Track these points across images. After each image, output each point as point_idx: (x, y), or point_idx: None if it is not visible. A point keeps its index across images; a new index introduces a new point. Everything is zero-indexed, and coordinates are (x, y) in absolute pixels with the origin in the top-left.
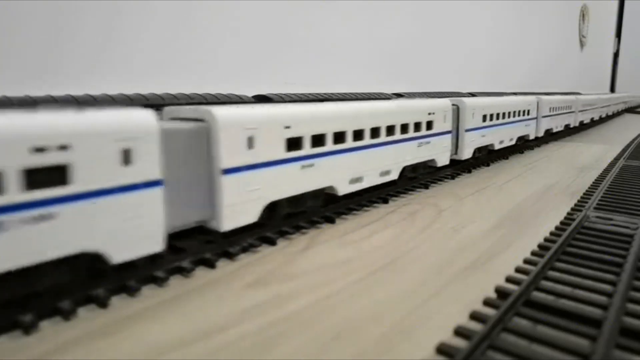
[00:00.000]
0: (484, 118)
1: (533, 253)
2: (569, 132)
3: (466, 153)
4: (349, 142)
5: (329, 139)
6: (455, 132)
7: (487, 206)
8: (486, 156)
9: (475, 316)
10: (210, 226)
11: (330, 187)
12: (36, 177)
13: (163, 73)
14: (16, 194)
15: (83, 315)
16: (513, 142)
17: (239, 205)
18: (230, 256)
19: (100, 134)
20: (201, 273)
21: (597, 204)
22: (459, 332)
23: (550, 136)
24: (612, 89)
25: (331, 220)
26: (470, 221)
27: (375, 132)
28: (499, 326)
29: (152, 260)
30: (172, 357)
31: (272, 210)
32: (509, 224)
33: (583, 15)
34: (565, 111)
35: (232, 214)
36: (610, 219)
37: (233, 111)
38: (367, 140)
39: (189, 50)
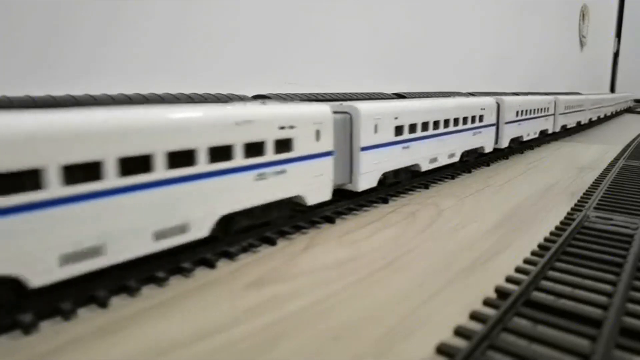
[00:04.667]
0: (517, 114)
1: (533, 253)
2: (569, 131)
3: (505, 142)
4: (430, 130)
5: (419, 128)
6: (496, 125)
7: (487, 206)
8: (520, 145)
9: (475, 316)
10: (348, 188)
11: (417, 165)
12: (279, 145)
13: (163, 73)
14: (271, 156)
15: (83, 315)
16: (536, 135)
17: (368, 174)
18: (230, 256)
19: (308, 120)
20: (201, 273)
21: (597, 204)
22: (459, 332)
23: (550, 135)
24: (612, 89)
25: (331, 220)
26: (470, 221)
27: (446, 123)
28: (499, 326)
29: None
30: (172, 357)
31: (384, 178)
32: (509, 224)
33: (583, 15)
34: (577, 109)
35: (365, 179)
36: (610, 219)
37: (367, 106)
38: (441, 129)
39: (189, 50)
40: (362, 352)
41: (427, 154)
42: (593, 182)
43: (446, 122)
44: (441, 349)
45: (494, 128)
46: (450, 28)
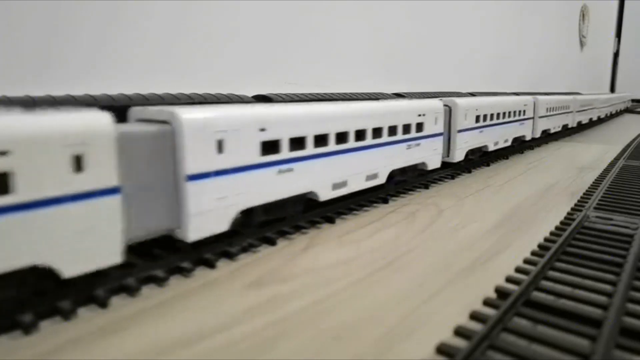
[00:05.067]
0: (477, 119)
1: (533, 253)
2: (569, 132)
3: (458, 155)
4: (332, 145)
5: (310, 142)
6: (447, 134)
7: (487, 206)
8: (481, 158)
9: (475, 316)
10: (176, 236)
11: (311, 193)
12: None
13: (163, 73)
14: None
15: (83, 315)
16: (508, 143)
17: (207, 214)
18: (230, 256)
19: (47, 140)
20: (201, 273)
21: (597, 204)
22: (459, 332)
23: (550, 136)
24: (612, 89)
25: (331, 220)
26: (470, 221)
27: (360, 134)
28: (499, 326)
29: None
30: (172, 357)
31: (249, 216)
32: (509, 224)
33: (583, 15)
34: (562, 111)
35: (200, 223)
36: (610, 219)
37: (200, 113)
38: (351, 143)
39: (189, 50)
40: (362, 352)
41: (327, 178)
42: (593, 182)
43: (359, 134)
44: (441, 349)
45: (440, 139)
46: (450, 28)
